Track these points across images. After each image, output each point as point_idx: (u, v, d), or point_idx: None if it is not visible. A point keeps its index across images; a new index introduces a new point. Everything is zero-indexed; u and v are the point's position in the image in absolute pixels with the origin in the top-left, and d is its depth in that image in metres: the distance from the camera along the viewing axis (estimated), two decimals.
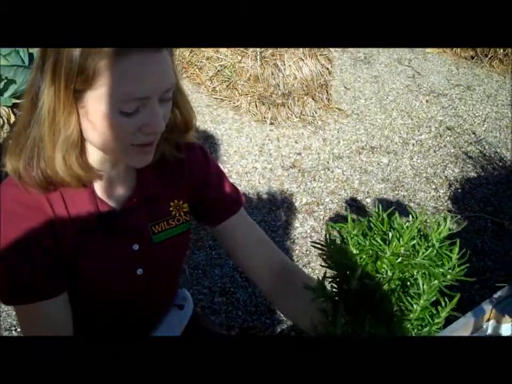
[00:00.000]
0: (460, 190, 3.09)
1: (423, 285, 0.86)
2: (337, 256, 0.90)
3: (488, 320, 1.95)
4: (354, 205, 2.96)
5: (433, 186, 3.13)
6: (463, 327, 1.84)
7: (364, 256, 0.89)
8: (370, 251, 0.89)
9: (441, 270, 0.91)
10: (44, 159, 0.96)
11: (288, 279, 1.22)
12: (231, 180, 3.11)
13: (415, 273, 0.88)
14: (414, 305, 0.86)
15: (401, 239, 0.88)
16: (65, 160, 0.95)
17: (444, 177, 3.22)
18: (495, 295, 1.98)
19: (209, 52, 3.81)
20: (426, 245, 0.91)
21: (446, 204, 2.98)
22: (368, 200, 3.00)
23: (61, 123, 0.92)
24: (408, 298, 0.87)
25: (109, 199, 1.08)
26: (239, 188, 3.01)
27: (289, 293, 1.21)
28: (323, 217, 2.86)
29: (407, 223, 0.91)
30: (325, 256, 0.92)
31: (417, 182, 3.17)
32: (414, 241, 0.91)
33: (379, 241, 0.88)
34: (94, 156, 1.01)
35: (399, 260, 0.88)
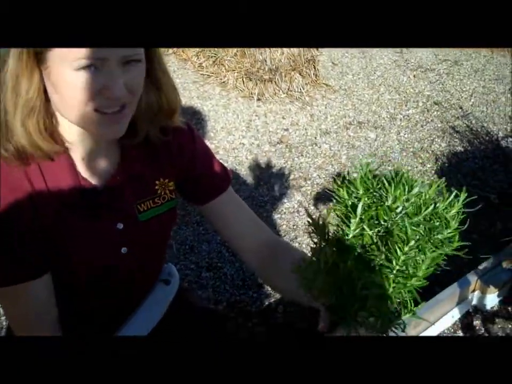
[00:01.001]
0: (446, 164, 3.10)
1: (406, 232, 0.86)
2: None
3: (474, 291, 1.97)
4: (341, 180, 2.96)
5: (420, 161, 3.14)
6: (448, 298, 1.86)
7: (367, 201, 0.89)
8: (374, 197, 0.89)
9: (439, 236, 0.91)
10: (7, 126, 0.94)
11: (277, 255, 1.22)
12: (218, 156, 3.10)
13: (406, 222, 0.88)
14: (398, 252, 0.86)
15: (408, 193, 0.89)
16: (24, 127, 0.93)
17: (430, 152, 3.22)
18: (480, 267, 2.00)
19: None
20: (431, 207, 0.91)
21: (432, 178, 2.99)
22: (355, 175, 3.00)
23: (22, 86, 0.90)
24: (395, 245, 0.87)
25: (92, 177, 1.06)
26: (226, 164, 3.01)
27: (279, 269, 1.21)
28: (310, 192, 2.86)
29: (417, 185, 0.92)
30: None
31: (404, 157, 3.17)
32: (420, 200, 0.91)
33: (386, 187, 0.88)
34: (64, 127, 0.99)
35: (400, 210, 0.88)
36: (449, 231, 0.93)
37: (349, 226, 0.91)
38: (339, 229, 0.93)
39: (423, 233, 0.90)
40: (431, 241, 0.91)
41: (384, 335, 0.93)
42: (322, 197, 2.83)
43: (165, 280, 1.38)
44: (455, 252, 0.95)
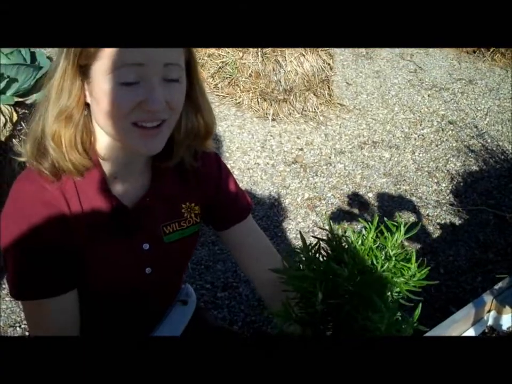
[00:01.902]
0: (462, 184, 3.10)
1: (380, 304, 0.85)
2: (296, 281, 0.90)
3: (489, 311, 1.95)
4: (356, 199, 2.96)
5: (435, 180, 3.13)
6: (464, 318, 1.84)
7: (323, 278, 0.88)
8: (329, 275, 0.89)
9: (402, 279, 0.91)
10: (43, 133, 0.97)
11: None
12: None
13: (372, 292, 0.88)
14: (379, 325, 0.85)
15: (356, 259, 0.88)
16: (58, 134, 0.95)
17: (445, 171, 3.22)
18: (496, 286, 1.98)
19: (211, 49, 3.82)
20: (382, 257, 0.91)
21: (448, 197, 2.98)
22: (370, 194, 3.00)
23: (63, 97, 0.94)
24: (372, 316, 0.87)
25: (122, 196, 1.08)
26: (241, 184, 3.03)
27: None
28: (325, 212, 2.86)
29: (359, 238, 0.91)
30: (284, 282, 0.92)
31: (419, 176, 3.17)
32: (370, 259, 0.90)
33: (334, 265, 0.87)
34: (102, 142, 1.01)
35: (358, 279, 0.87)
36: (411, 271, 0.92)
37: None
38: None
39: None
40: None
41: None
42: (337, 217, 2.83)
43: (183, 301, 1.39)
44: (426, 282, 0.94)
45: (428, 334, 1.72)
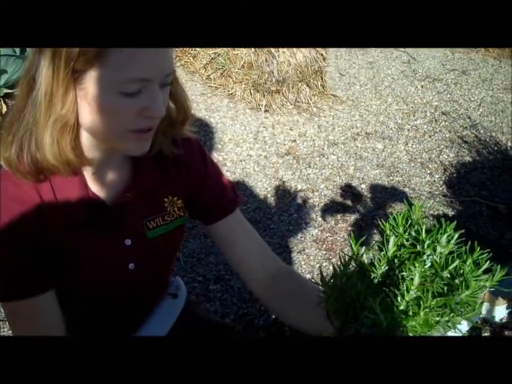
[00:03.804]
0: (455, 175, 3.09)
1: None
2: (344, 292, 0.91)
3: (482, 302, 1.95)
4: (349, 191, 2.95)
5: (428, 171, 3.13)
6: None
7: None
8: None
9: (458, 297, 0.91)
10: (36, 142, 0.93)
11: (283, 282, 1.21)
12: (225, 168, 3.10)
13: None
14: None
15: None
16: (57, 142, 0.92)
17: (439, 162, 3.21)
18: None
19: None
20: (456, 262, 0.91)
21: (441, 188, 2.98)
22: (363, 186, 2.99)
23: (57, 102, 0.89)
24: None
25: (102, 192, 1.06)
26: (233, 175, 3.02)
27: (284, 296, 1.20)
28: (318, 204, 2.85)
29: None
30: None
31: (412, 167, 3.16)
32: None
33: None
34: (86, 143, 0.98)
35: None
36: (468, 293, 0.91)
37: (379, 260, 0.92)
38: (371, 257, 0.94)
39: (444, 291, 0.89)
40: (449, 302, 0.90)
41: None
42: (329, 209, 2.82)
43: (173, 294, 1.37)
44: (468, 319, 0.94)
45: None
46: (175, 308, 1.37)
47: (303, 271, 2.41)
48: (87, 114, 0.92)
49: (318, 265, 2.44)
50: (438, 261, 0.89)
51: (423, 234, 0.91)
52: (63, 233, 1.03)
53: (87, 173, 1.04)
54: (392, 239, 0.92)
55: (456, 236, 0.92)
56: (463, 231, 0.93)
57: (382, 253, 0.92)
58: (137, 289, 1.20)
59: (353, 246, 0.94)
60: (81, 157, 0.97)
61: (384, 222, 0.94)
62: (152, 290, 1.29)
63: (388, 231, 0.93)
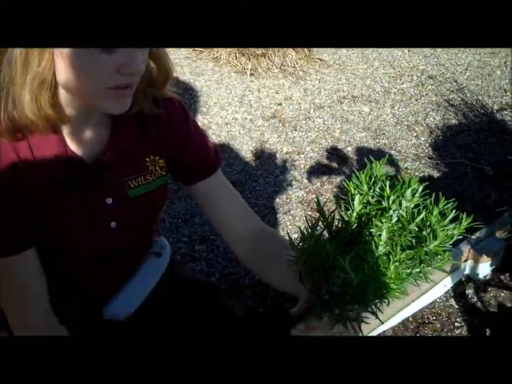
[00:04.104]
0: (441, 137, 3.08)
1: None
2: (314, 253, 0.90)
3: (466, 260, 1.97)
4: (335, 153, 2.94)
5: (415, 134, 3.12)
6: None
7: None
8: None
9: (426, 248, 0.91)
10: (13, 100, 0.90)
11: (265, 243, 1.21)
12: (210, 131, 3.08)
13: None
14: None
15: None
16: (35, 99, 0.90)
17: (425, 125, 3.20)
18: (473, 236, 1.99)
19: None
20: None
21: (427, 151, 2.97)
22: (349, 149, 2.98)
23: (34, 62, 0.87)
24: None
25: (81, 151, 1.04)
26: (219, 138, 2.99)
27: (266, 258, 1.21)
28: (304, 166, 2.84)
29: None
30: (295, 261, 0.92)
31: (399, 130, 3.15)
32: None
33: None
34: (65, 100, 0.95)
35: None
36: (436, 243, 0.90)
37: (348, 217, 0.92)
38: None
39: (413, 243, 0.89)
40: (417, 253, 0.89)
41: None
42: (315, 171, 2.81)
43: (156, 253, 1.37)
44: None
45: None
46: (158, 267, 1.36)
47: (289, 232, 2.40)
48: (64, 72, 0.89)
49: (304, 226, 2.43)
50: (404, 215, 0.89)
51: (387, 190, 0.91)
52: (42, 193, 1.02)
53: (66, 132, 1.02)
54: (357, 198, 0.92)
55: (420, 189, 0.91)
56: (426, 183, 0.92)
57: (349, 212, 0.92)
58: (120, 248, 1.20)
59: (318, 207, 0.94)
60: (61, 113, 0.95)
61: (348, 182, 0.93)
62: (135, 249, 1.28)
63: (352, 190, 0.93)
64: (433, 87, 3.61)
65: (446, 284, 1.91)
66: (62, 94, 0.94)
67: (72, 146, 1.03)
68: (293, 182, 2.73)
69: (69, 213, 1.05)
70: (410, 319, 1.75)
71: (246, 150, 2.94)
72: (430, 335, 1.69)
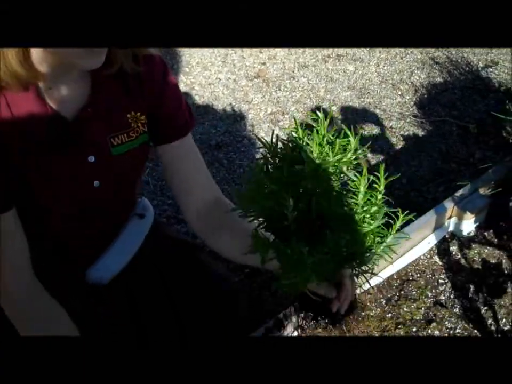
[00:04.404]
0: (425, 96, 3.07)
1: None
2: (261, 201, 0.87)
3: (450, 217, 1.97)
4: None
5: (399, 93, 3.10)
6: (425, 224, 1.86)
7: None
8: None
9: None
10: None
11: (220, 215, 1.21)
12: (193, 92, 3.03)
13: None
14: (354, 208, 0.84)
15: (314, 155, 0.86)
16: (3, 55, 0.88)
17: (410, 83, 3.18)
18: (457, 193, 2.00)
19: None
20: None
21: (411, 109, 2.96)
22: (334, 108, 2.96)
23: None
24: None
25: (61, 108, 1.03)
26: (202, 99, 2.96)
27: (220, 230, 1.21)
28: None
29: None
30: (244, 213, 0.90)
31: (383, 89, 3.13)
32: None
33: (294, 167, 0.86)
34: (36, 56, 0.93)
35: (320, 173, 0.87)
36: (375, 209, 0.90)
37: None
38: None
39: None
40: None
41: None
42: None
43: (140, 214, 1.36)
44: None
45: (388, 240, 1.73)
46: (142, 228, 1.36)
47: None
48: None
49: None
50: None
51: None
52: (23, 152, 1.00)
53: (45, 89, 1.00)
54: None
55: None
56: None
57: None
58: (103, 208, 1.19)
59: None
60: (31, 70, 0.92)
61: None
62: (118, 209, 1.28)
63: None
64: None
65: (430, 241, 1.92)
66: (34, 51, 0.92)
67: (52, 103, 1.01)
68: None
69: (50, 171, 1.04)
70: (395, 277, 1.76)
71: (229, 110, 2.91)
72: (415, 292, 1.70)
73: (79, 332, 1.12)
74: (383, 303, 1.66)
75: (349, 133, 0.90)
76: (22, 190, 1.04)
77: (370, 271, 0.99)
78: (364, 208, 0.89)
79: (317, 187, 0.85)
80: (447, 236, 1.97)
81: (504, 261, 1.82)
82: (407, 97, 3.06)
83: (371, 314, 1.60)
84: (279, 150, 0.89)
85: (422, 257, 1.87)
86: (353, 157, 0.89)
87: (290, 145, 0.89)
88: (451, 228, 2.00)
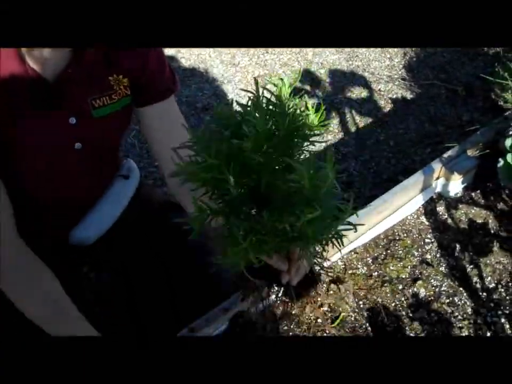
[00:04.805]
0: (414, 59, 3.04)
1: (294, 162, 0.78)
2: (202, 174, 0.82)
3: (438, 178, 1.97)
4: (308, 76, 2.89)
5: (388, 56, 3.07)
6: (412, 185, 1.85)
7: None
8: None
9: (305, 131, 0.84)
10: None
11: None
12: (179, 54, 3.00)
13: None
14: (301, 182, 0.79)
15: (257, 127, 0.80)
16: None
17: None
18: (445, 155, 1.99)
19: None
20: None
21: (400, 72, 2.93)
22: (322, 71, 2.93)
23: None
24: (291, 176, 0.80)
25: (41, 69, 1.01)
26: (189, 62, 2.91)
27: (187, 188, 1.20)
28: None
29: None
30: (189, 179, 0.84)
31: (372, 52, 3.10)
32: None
33: (234, 141, 0.79)
34: None
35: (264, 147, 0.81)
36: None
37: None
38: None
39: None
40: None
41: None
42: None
43: (124, 176, 1.35)
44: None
45: (375, 202, 1.73)
46: (127, 189, 1.35)
47: None
48: None
49: None
50: None
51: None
52: (4, 114, 0.99)
53: (26, 49, 0.98)
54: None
55: None
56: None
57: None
58: (86, 170, 1.17)
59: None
60: None
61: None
62: (101, 171, 1.26)
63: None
64: None
65: (418, 201, 1.92)
66: None
67: (32, 64, 1.00)
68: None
69: (31, 133, 1.03)
70: (382, 236, 1.76)
71: (216, 73, 2.88)
72: (401, 251, 1.71)
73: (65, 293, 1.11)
74: (370, 262, 1.66)
75: (309, 105, 0.85)
76: (2, 153, 1.02)
77: (318, 256, 0.95)
78: (310, 195, 0.83)
79: (261, 165, 0.81)
80: (434, 197, 1.96)
81: (490, 221, 1.83)
82: (396, 60, 3.03)
83: (357, 272, 1.60)
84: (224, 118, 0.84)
85: (409, 217, 1.87)
86: (310, 133, 0.84)
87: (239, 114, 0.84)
88: (438, 189, 2.00)
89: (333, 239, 0.90)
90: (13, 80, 0.97)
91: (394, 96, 2.75)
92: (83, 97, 1.07)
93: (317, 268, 1.36)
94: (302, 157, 0.84)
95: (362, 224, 1.02)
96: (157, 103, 1.18)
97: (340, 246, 0.90)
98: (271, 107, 0.82)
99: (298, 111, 0.82)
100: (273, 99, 0.84)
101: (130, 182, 1.36)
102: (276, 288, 1.11)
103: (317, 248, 0.92)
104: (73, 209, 1.24)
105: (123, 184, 1.34)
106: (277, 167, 0.81)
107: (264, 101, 0.84)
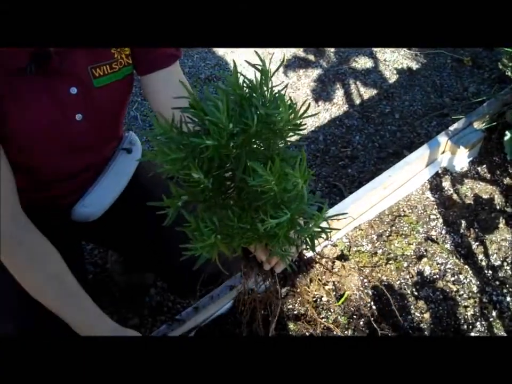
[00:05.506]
0: None
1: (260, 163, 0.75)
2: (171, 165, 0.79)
3: (443, 152, 1.95)
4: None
5: None
6: (417, 159, 1.83)
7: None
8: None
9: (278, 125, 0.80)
10: None
11: None
12: None
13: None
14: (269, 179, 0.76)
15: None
16: None
17: None
18: (451, 128, 1.96)
19: None
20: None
21: None
22: None
23: None
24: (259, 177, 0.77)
25: None
26: None
27: None
28: (280, 59, 2.75)
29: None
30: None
31: None
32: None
33: (197, 140, 0.76)
34: None
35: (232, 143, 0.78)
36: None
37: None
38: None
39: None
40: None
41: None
42: (292, 64, 2.73)
43: (127, 149, 1.33)
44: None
45: (380, 177, 1.71)
46: (130, 163, 1.33)
47: None
48: None
49: None
50: None
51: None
52: (4, 83, 0.97)
53: None
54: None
55: None
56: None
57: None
58: (87, 142, 1.16)
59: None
60: None
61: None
62: (102, 144, 1.25)
63: None
64: None
65: (423, 175, 1.90)
66: None
67: None
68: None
69: (32, 104, 1.02)
70: (386, 212, 1.75)
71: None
72: (406, 227, 1.70)
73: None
74: (374, 239, 1.65)
75: (290, 101, 0.79)
76: (4, 124, 1.01)
77: (288, 253, 0.92)
78: (279, 198, 0.80)
79: (229, 160, 0.78)
80: (439, 171, 1.94)
81: (496, 196, 1.81)
82: None
83: (362, 250, 1.60)
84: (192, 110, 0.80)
85: (414, 192, 1.85)
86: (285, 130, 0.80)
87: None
88: (444, 163, 1.98)
89: (306, 240, 0.89)
90: (15, 52, 0.97)
91: (399, 67, 2.71)
92: (83, 66, 1.06)
93: (309, 254, 1.35)
94: (276, 154, 0.81)
95: (338, 229, 0.98)
96: (161, 69, 1.17)
97: (313, 247, 0.90)
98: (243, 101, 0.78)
99: (274, 105, 0.78)
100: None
101: (133, 156, 1.35)
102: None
103: (288, 247, 0.90)
104: (75, 184, 1.23)
105: (126, 158, 1.33)
106: (248, 164, 0.78)
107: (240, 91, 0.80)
